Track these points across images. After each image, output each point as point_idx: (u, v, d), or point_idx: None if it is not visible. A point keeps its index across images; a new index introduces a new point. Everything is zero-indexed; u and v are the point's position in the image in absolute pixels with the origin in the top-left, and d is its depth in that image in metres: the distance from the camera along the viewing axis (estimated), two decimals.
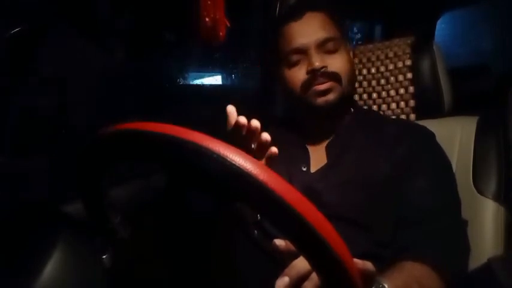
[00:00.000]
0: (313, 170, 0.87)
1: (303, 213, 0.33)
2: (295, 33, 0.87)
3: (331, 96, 0.85)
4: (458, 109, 1.02)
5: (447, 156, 0.87)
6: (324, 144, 0.90)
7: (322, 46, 0.85)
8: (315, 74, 0.84)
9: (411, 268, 0.69)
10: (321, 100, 0.85)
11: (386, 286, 0.56)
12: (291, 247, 0.50)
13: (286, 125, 0.99)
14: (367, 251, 0.72)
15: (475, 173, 0.91)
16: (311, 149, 0.91)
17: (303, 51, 0.86)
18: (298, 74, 0.86)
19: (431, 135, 0.88)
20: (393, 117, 1.04)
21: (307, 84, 0.85)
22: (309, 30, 0.86)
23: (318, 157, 0.88)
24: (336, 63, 0.85)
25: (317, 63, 0.83)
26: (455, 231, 0.78)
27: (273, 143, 0.92)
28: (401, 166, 0.80)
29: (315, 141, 0.91)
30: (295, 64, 0.87)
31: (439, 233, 0.75)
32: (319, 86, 0.84)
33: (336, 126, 0.90)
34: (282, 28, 0.90)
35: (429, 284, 0.69)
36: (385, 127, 0.89)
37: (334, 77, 0.85)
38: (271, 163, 0.85)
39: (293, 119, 0.99)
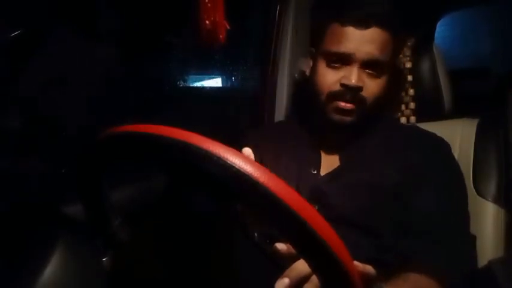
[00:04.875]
0: (323, 173, 0.86)
1: (303, 215, 0.33)
2: (350, 39, 0.80)
3: (349, 118, 0.82)
4: (458, 111, 1.03)
5: (460, 168, 0.86)
6: (338, 148, 0.88)
7: (369, 66, 0.80)
8: (346, 90, 0.80)
9: (416, 279, 0.69)
10: (338, 118, 0.82)
11: None
12: (292, 249, 0.50)
13: (298, 126, 0.98)
14: (370, 255, 0.71)
15: (475, 175, 0.91)
16: (324, 152, 0.89)
17: (347, 60, 0.80)
18: (330, 79, 0.82)
19: (446, 147, 0.86)
20: (404, 121, 1.03)
21: (334, 95, 0.81)
22: (365, 43, 0.79)
23: (330, 161, 0.87)
24: (372, 88, 0.81)
25: (354, 81, 0.79)
26: (464, 244, 0.77)
27: (281, 143, 0.92)
28: (411, 175, 0.79)
29: (329, 145, 0.89)
30: (333, 65, 0.82)
31: (448, 244, 0.74)
32: (343, 104, 0.81)
33: (353, 133, 0.88)
34: (337, 26, 0.82)
35: None
36: (398, 135, 0.88)
37: (361, 101, 0.81)
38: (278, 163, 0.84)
39: (306, 120, 0.97)
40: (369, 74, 0.81)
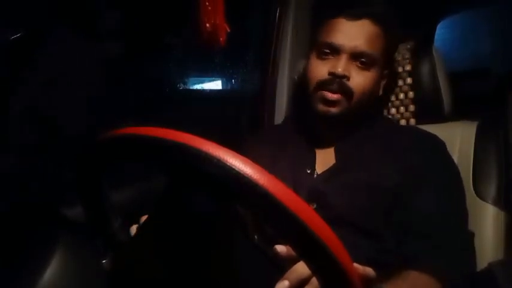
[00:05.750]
0: (319, 171, 0.86)
1: (303, 217, 0.34)
2: (340, 31, 0.83)
3: (334, 109, 0.83)
4: (458, 113, 1.03)
5: (457, 166, 0.86)
6: (333, 145, 0.89)
7: (357, 58, 0.82)
8: (332, 79, 0.82)
9: (416, 278, 0.69)
10: (322, 108, 0.84)
11: None
12: (291, 252, 0.50)
13: (295, 126, 0.99)
14: (370, 256, 0.71)
15: (475, 177, 0.91)
16: (319, 150, 0.90)
17: (336, 51, 0.83)
18: (320, 69, 0.84)
19: (442, 145, 0.87)
20: (404, 124, 1.03)
21: (321, 84, 0.83)
22: (354, 35, 0.82)
23: (325, 159, 0.87)
24: (359, 79, 0.82)
25: (340, 69, 0.81)
26: (463, 245, 0.78)
27: (279, 145, 0.93)
28: (410, 176, 0.79)
29: (324, 143, 0.90)
30: (323, 57, 0.84)
31: (448, 245, 0.74)
32: (329, 94, 0.82)
33: (347, 130, 0.89)
34: (330, 20, 0.85)
35: None
36: (397, 136, 0.88)
37: (346, 92, 0.82)
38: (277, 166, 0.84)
39: (303, 119, 0.98)
40: (357, 66, 0.83)
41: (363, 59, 0.82)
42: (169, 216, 0.56)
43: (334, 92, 0.82)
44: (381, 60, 0.85)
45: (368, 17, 0.83)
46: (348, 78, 0.82)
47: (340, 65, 0.81)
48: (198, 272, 0.55)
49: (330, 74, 0.82)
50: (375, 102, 0.91)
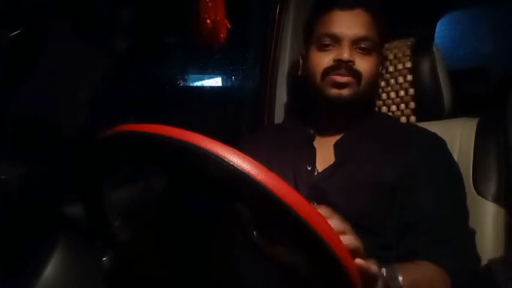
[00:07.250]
0: (320, 169, 0.86)
1: (301, 213, 0.34)
2: (338, 21, 0.87)
3: (345, 91, 0.85)
4: (458, 111, 1.02)
5: (457, 163, 0.87)
6: (333, 142, 0.89)
7: (358, 43, 0.86)
8: (339, 64, 0.84)
9: (426, 268, 0.69)
10: (334, 92, 0.85)
11: (400, 278, 0.56)
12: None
13: (294, 123, 0.99)
14: (371, 254, 0.72)
15: (475, 174, 0.91)
16: (319, 147, 0.90)
17: (337, 40, 0.86)
18: (324, 59, 0.87)
19: (442, 143, 0.87)
20: (404, 121, 1.04)
21: (328, 70, 0.86)
22: (352, 23, 0.86)
23: (325, 155, 0.88)
24: (364, 64, 0.86)
25: (346, 55, 0.84)
26: (464, 241, 0.78)
27: (279, 143, 0.93)
28: (410, 173, 0.79)
29: (324, 139, 0.91)
30: (325, 49, 0.87)
31: (450, 241, 0.74)
32: (338, 77, 0.85)
33: (347, 125, 0.90)
34: (325, 13, 0.89)
35: (440, 286, 0.69)
36: (396, 133, 0.89)
37: (356, 74, 0.85)
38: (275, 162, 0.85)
39: (302, 115, 0.98)
40: (359, 52, 0.86)
41: (363, 45, 0.86)
42: (169, 216, 0.56)
43: (343, 75, 0.85)
44: (377, 45, 0.89)
45: (360, 6, 0.88)
46: (354, 63, 0.84)
47: (345, 51, 0.84)
48: (198, 272, 0.55)
49: (336, 61, 0.85)
50: (375, 92, 0.93)
